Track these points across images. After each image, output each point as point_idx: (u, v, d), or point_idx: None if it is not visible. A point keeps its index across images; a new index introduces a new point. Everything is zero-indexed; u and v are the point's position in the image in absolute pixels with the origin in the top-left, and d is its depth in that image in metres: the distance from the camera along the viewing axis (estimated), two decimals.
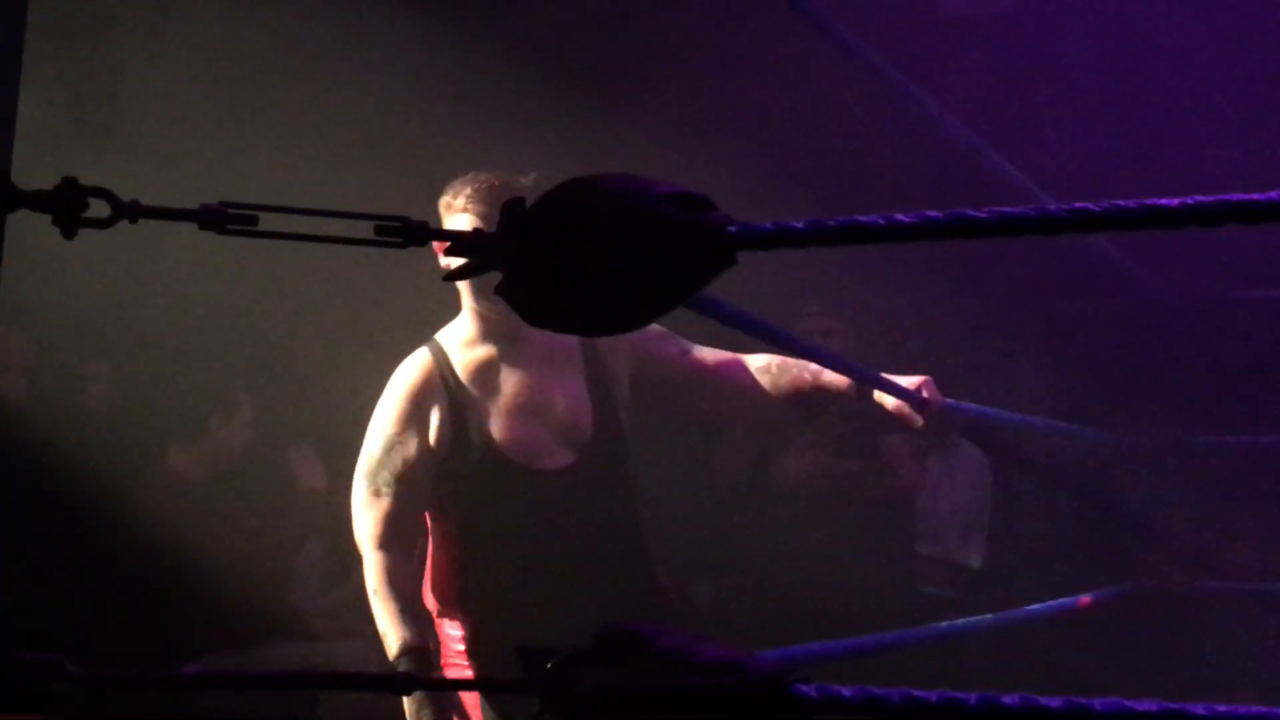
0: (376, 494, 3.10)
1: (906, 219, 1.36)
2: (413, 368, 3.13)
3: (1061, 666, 4.25)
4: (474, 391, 3.13)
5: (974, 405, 3.37)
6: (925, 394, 3.00)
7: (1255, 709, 1.26)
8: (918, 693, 1.33)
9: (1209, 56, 4.20)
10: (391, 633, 2.99)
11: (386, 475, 3.10)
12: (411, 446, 3.10)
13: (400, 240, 1.45)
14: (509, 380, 3.14)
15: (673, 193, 1.38)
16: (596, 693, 1.37)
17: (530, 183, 3.13)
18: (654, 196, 1.38)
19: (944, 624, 3.16)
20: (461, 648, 3.12)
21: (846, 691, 1.35)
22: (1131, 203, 1.32)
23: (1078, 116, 4.34)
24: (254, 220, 1.42)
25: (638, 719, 1.37)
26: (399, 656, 2.97)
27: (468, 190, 3.11)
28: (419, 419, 3.12)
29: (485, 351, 3.17)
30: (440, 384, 3.13)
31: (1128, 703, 1.28)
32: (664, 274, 1.36)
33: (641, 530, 3.20)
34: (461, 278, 1.47)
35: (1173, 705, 1.27)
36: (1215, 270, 4.49)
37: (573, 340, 3.17)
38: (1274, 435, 4.55)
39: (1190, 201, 1.31)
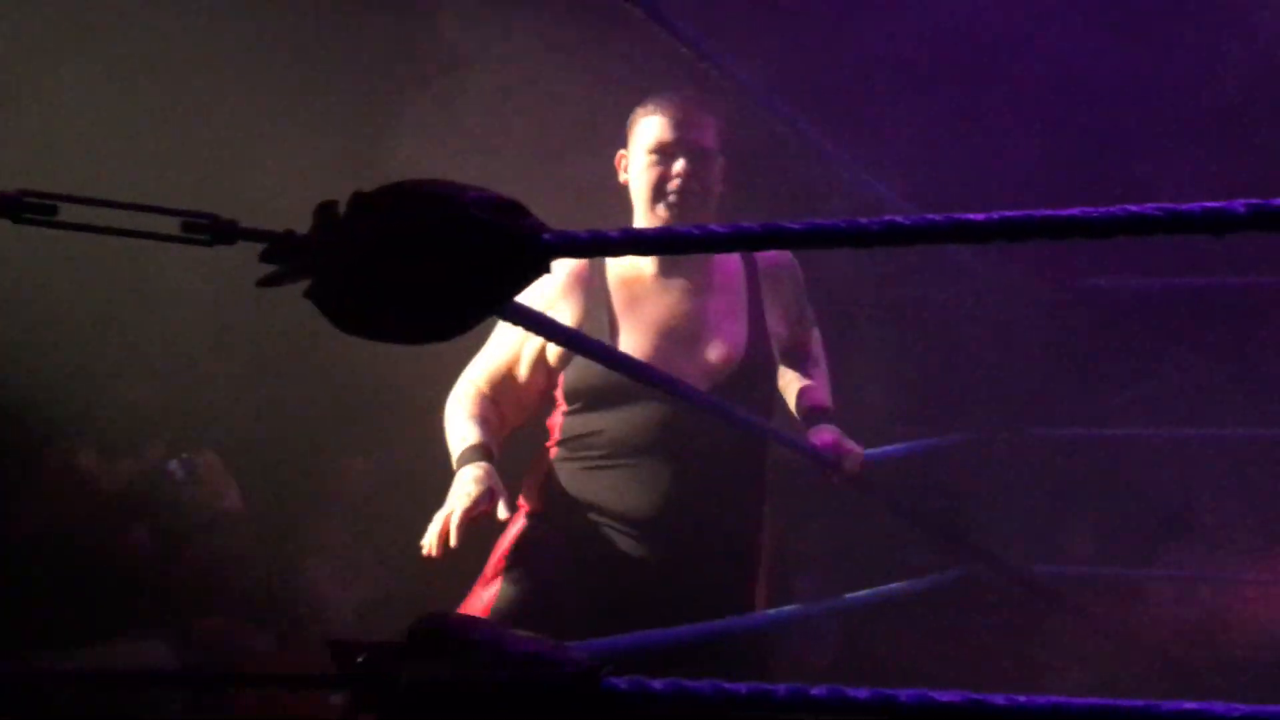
0: (494, 344, 3.09)
1: (721, 230, 1.36)
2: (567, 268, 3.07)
3: (896, 652, 4.31)
4: (619, 301, 3.08)
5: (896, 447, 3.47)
6: (838, 457, 3.09)
7: (1052, 698, 1.28)
8: (728, 685, 1.33)
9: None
10: (458, 439, 2.92)
11: (511, 335, 3.06)
12: (526, 341, 3.06)
13: (207, 239, 1.42)
14: (659, 301, 3.09)
15: (485, 199, 1.37)
16: (410, 687, 1.35)
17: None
18: (468, 202, 1.36)
19: (773, 611, 3.17)
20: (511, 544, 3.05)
21: (657, 684, 1.35)
22: (940, 217, 1.34)
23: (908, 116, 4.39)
24: (53, 210, 1.38)
25: (450, 715, 1.35)
26: (463, 455, 2.88)
27: (660, 101, 3.13)
28: (563, 303, 3.06)
29: (641, 265, 3.11)
30: (588, 280, 3.08)
31: (932, 694, 1.30)
32: (477, 282, 1.35)
33: (758, 469, 3.13)
34: (273, 284, 1.44)
35: (975, 696, 1.29)
36: (1057, 260, 4.58)
37: (737, 265, 3.17)
38: (1111, 428, 4.66)
39: (997, 216, 1.33)
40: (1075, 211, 1.32)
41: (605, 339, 3.01)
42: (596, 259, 3.08)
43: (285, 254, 1.42)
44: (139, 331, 4.44)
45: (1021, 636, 4.47)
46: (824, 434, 3.14)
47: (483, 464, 2.84)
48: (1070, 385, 4.65)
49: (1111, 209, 1.31)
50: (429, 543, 2.69)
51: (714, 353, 3.08)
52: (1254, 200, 1.29)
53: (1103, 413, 4.67)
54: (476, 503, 2.71)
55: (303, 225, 1.43)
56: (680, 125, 3.11)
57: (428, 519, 2.72)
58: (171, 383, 4.49)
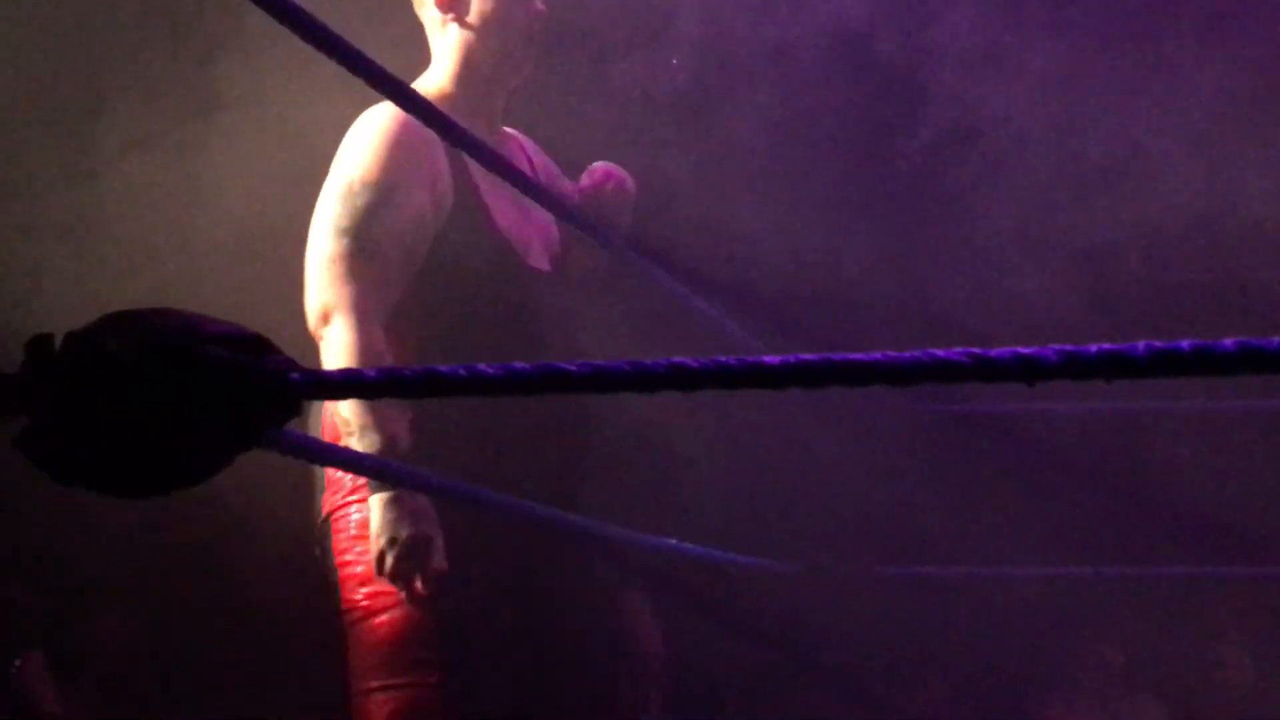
0: (364, 255, 2.50)
1: (489, 370, 1.23)
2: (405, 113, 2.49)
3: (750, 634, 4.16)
4: (479, 178, 2.65)
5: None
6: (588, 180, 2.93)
7: None
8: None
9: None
10: (374, 429, 2.42)
11: (379, 232, 2.51)
12: (414, 200, 2.56)
13: None
14: (492, 173, 2.60)
15: (224, 333, 1.21)
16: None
17: None
18: (203, 337, 1.21)
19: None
20: None
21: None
22: (734, 360, 1.23)
23: None
24: None
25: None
26: (383, 453, 2.42)
27: None
28: (420, 170, 2.58)
29: (479, 125, 2.67)
30: (448, 161, 2.63)
31: None
32: (214, 428, 1.19)
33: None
34: None
35: None
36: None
37: (522, 149, 2.94)
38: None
39: (792, 360, 1.23)
40: (878, 356, 1.22)
41: (474, 202, 2.69)
42: (449, 150, 2.63)
43: None
44: None
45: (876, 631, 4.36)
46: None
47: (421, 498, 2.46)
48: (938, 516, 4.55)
49: (917, 354, 1.22)
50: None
51: (547, 224, 2.86)
52: (1065, 347, 1.21)
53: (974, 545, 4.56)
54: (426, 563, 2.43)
55: None
56: None
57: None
58: None
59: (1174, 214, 3.98)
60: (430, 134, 2.48)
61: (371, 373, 1.25)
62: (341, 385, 1.24)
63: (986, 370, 1.21)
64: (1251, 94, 4.06)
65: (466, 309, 2.66)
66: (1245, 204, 4.02)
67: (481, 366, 1.24)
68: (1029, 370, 1.20)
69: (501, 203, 2.74)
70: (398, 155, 2.59)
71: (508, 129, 2.99)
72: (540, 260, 2.82)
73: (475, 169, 2.64)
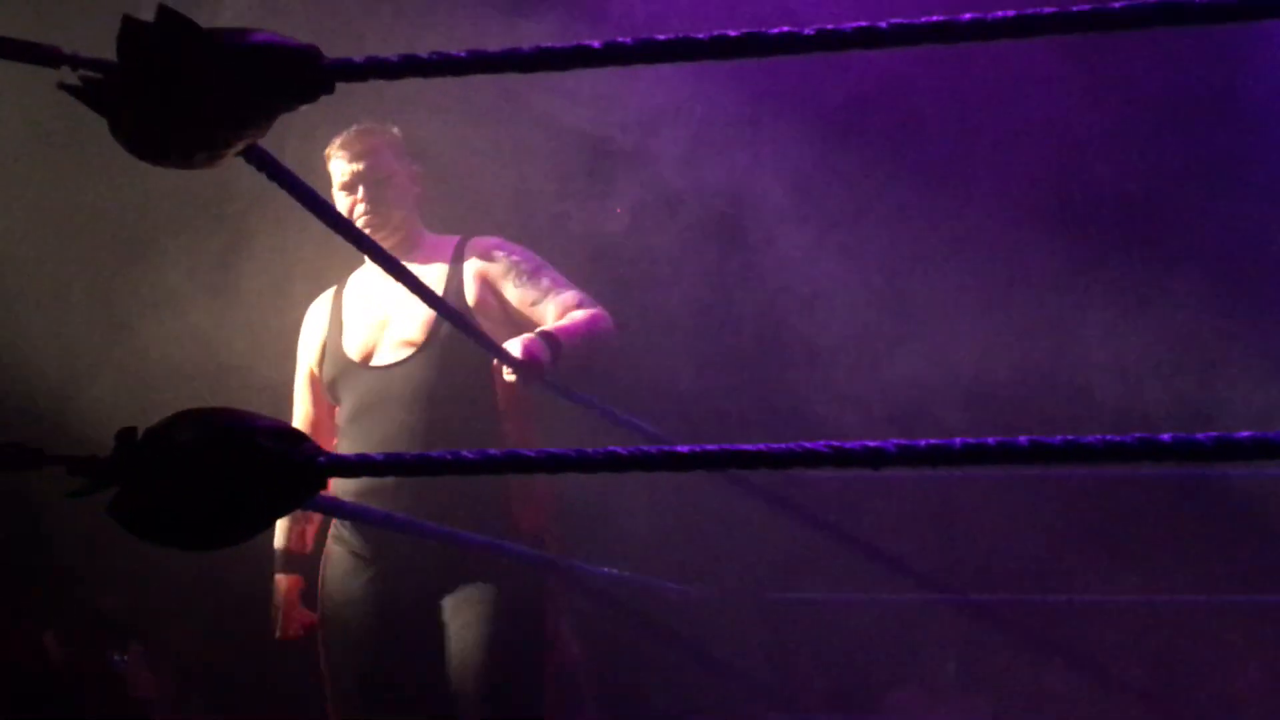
0: (293, 399, 3.79)
1: (467, 455, 1.62)
2: (321, 294, 3.82)
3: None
4: (347, 307, 3.74)
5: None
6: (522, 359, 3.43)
7: None
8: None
9: None
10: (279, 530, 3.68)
11: (297, 380, 3.79)
12: (304, 356, 3.79)
13: (11, 464, 1.63)
14: (370, 295, 3.71)
15: (272, 428, 1.61)
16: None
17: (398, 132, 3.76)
18: (255, 430, 1.60)
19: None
20: None
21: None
22: (653, 449, 1.62)
23: None
24: None
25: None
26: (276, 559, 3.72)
27: (337, 140, 3.70)
28: (309, 334, 3.79)
29: (369, 273, 3.73)
30: (331, 303, 3.78)
31: None
32: (264, 500, 1.58)
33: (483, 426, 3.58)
34: (75, 497, 1.65)
35: None
36: None
37: (445, 255, 3.74)
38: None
39: (699, 449, 1.62)
40: (761, 447, 1.61)
41: (332, 336, 3.72)
42: (345, 281, 3.83)
43: (89, 472, 1.63)
44: None
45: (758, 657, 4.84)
46: (523, 341, 3.48)
47: (280, 579, 3.69)
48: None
49: (790, 445, 1.61)
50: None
51: (413, 323, 3.63)
52: (902, 441, 1.60)
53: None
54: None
55: None
56: (353, 159, 3.68)
57: None
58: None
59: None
60: (321, 305, 3.84)
61: (378, 457, 1.64)
62: (356, 465, 1.63)
63: (842, 458, 1.60)
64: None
65: (340, 403, 3.74)
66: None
67: (464, 452, 1.64)
68: (875, 459, 1.60)
69: (361, 320, 3.73)
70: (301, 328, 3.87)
71: (448, 236, 3.84)
72: (393, 354, 3.67)
73: (347, 302, 3.78)
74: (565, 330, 3.57)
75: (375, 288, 3.71)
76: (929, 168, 4.78)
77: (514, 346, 3.42)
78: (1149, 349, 4.60)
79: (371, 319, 3.71)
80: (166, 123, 1.56)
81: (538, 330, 3.54)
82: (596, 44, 1.55)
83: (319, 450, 1.63)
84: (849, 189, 4.73)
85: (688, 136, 4.64)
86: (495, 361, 3.44)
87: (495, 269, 3.70)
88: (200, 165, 1.63)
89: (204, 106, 1.56)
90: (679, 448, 1.63)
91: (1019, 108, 4.70)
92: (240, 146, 1.65)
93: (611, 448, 1.63)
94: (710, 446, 1.63)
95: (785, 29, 1.57)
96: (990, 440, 1.59)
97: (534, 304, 3.68)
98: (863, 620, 4.90)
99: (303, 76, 1.59)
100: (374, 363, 3.67)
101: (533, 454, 1.63)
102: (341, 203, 3.68)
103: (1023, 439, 1.59)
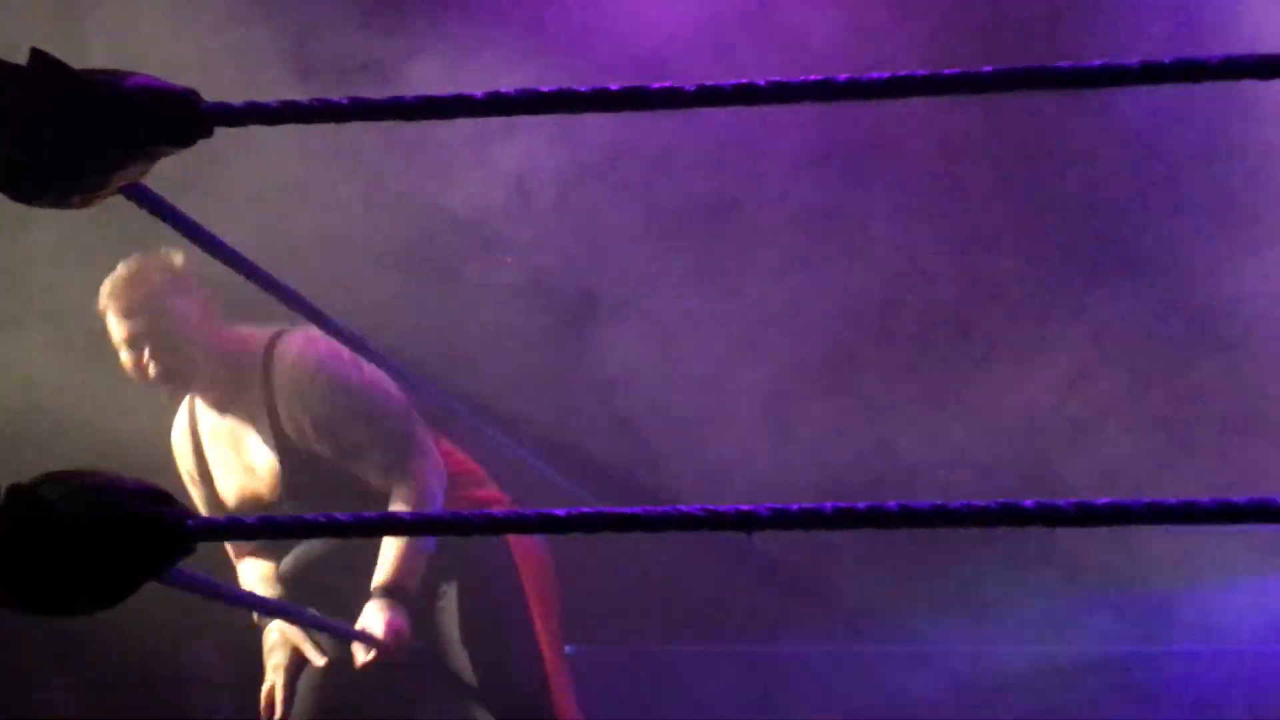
0: None
1: (341, 517, 1.62)
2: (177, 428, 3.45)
3: None
4: (207, 451, 3.29)
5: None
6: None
7: None
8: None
9: None
10: None
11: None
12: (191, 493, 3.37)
13: None
14: (220, 439, 3.28)
15: (140, 489, 1.59)
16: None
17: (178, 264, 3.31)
18: (126, 491, 1.58)
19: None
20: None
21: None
22: (561, 510, 1.63)
23: None
24: None
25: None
26: None
27: (105, 289, 3.30)
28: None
29: (208, 413, 3.36)
30: (190, 443, 3.37)
31: None
32: (132, 564, 1.56)
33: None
34: None
35: None
36: None
37: (256, 379, 3.27)
38: None
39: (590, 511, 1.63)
40: (639, 510, 1.63)
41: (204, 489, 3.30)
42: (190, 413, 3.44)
43: None
44: None
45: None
46: (384, 617, 3.11)
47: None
48: None
49: (667, 508, 1.63)
50: None
51: (254, 481, 3.14)
52: (776, 505, 1.63)
53: None
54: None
55: None
56: (126, 314, 3.27)
57: None
58: None
59: None
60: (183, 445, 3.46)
61: (252, 520, 1.63)
62: (226, 529, 1.61)
63: (716, 521, 1.62)
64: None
65: None
66: None
67: (338, 515, 1.64)
68: (747, 522, 1.62)
69: (223, 480, 3.29)
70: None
71: (253, 332, 3.44)
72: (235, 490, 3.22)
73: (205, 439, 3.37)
74: (406, 569, 2.97)
75: (223, 428, 3.33)
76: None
77: (375, 622, 3.06)
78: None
79: (224, 461, 3.29)
80: (39, 166, 1.55)
81: (384, 588, 3.03)
82: (479, 94, 1.55)
83: (188, 512, 1.62)
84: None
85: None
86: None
87: (309, 409, 3.19)
88: (77, 206, 1.62)
89: (77, 150, 1.56)
90: (584, 508, 1.64)
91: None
92: (116, 188, 1.64)
93: (483, 511, 1.64)
94: (594, 509, 1.63)
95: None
96: (860, 504, 1.62)
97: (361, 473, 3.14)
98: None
99: (179, 121, 1.58)
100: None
101: (407, 516, 1.63)
102: (129, 362, 3.28)
103: (892, 504, 1.62)
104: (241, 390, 3.29)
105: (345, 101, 1.55)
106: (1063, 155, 4.70)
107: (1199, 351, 4.78)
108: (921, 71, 1.52)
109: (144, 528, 1.58)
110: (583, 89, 1.56)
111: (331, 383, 3.18)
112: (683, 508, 1.63)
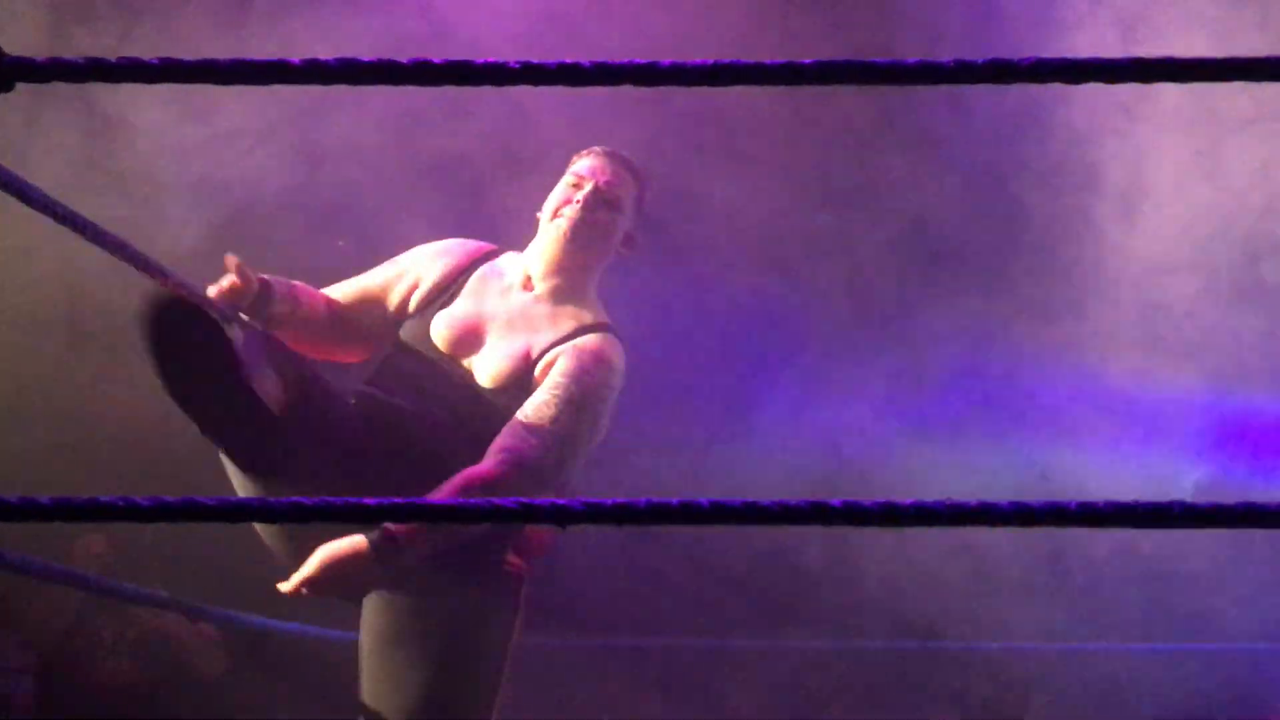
0: (372, 273, 3.57)
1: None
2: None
3: None
4: (471, 289, 3.41)
5: None
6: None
7: None
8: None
9: None
10: None
11: (389, 270, 3.55)
12: (399, 282, 3.51)
13: None
14: (497, 306, 3.40)
15: None
16: None
17: None
18: None
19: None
20: None
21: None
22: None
23: None
24: None
25: None
26: None
27: (603, 149, 3.46)
28: (432, 264, 3.53)
29: (512, 282, 3.39)
30: (464, 268, 3.47)
31: None
32: None
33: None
34: None
35: None
36: None
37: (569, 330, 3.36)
38: None
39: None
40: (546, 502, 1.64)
41: (440, 302, 3.40)
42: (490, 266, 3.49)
43: None
44: None
45: None
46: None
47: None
48: None
49: (572, 501, 1.64)
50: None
51: (495, 363, 3.32)
52: (724, 499, 1.60)
53: None
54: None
55: None
56: (603, 169, 3.41)
57: None
58: None
59: None
60: (457, 256, 3.60)
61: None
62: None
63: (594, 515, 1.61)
64: None
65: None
66: None
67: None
68: (694, 516, 1.57)
69: (473, 311, 3.47)
70: None
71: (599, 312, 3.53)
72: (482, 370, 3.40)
73: (473, 293, 3.53)
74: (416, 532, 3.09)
75: (509, 300, 3.42)
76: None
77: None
78: None
79: (480, 319, 3.41)
80: None
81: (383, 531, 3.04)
82: (296, 60, 1.47)
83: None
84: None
85: None
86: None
87: (564, 373, 3.30)
88: None
89: None
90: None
91: None
92: None
93: (392, 499, 1.69)
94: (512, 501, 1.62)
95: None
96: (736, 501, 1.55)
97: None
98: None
99: None
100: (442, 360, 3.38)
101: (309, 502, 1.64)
102: (560, 188, 3.46)
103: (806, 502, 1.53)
104: (549, 316, 3.38)
105: (155, 61, 1.49)
106: None
107: None
108: (743, 60, 1.43)
109: None
110: (405, 60, 1.50)
111: (596, 379, 3.31)
112: (591, 500, 1.61)
